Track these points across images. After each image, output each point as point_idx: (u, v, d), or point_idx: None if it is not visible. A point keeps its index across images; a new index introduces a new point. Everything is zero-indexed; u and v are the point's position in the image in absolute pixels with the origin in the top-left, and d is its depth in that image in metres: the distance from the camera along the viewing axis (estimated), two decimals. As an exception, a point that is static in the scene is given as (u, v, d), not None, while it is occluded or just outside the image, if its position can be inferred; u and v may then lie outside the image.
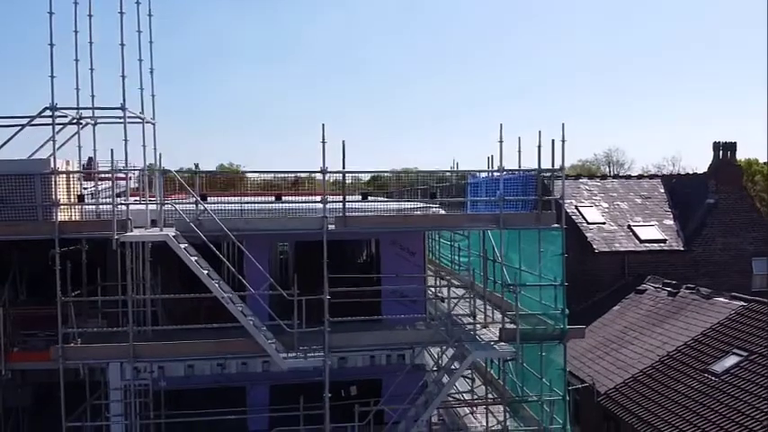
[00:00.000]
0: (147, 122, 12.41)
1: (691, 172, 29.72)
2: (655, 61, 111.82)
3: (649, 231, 27.68)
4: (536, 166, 12.42)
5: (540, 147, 12.71)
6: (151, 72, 12.47)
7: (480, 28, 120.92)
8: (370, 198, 11.80)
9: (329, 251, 11.40)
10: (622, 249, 26.71)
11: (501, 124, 11.82)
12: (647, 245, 27.06)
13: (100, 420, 12.96)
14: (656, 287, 24.72)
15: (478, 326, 13.05)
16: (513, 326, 12.13)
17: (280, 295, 13.78)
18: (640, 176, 31.86)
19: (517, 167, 12.88)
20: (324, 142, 11.24)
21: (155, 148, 12.12)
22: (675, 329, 20.96)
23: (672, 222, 28.50)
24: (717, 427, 15.52)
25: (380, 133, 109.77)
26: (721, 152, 27.87)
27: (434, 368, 13.68)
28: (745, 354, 17.78)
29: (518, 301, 11.71)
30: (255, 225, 11.42)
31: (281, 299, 13.07)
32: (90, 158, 13.21)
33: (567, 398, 12.33)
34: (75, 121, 12.11)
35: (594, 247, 26.47)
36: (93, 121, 12.22)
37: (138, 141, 12.16)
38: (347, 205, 11.86)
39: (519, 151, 13.53)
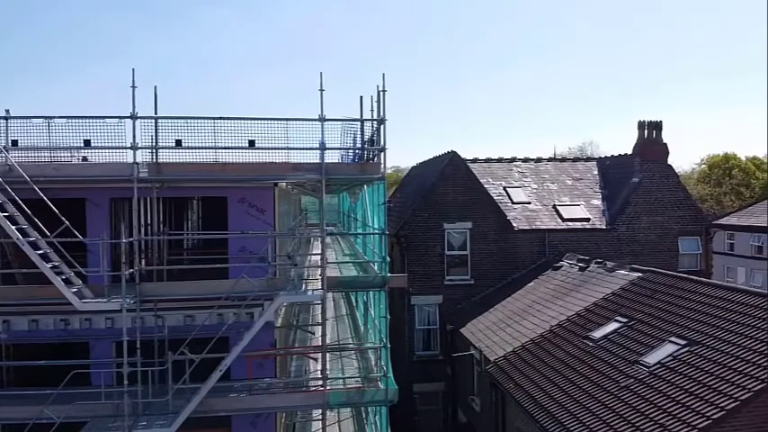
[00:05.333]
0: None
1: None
2: (632, 52, 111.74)
3: (573, 210, 27.58)
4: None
5: (371, 100, 12.85)
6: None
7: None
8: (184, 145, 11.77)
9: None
10: (543, 228, 26.64)
11: (321, 73, 11.86)
12: (569, 224, 26.97)
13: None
14: (570, 263, 24.66)
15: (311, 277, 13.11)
16: (335, 274, 12.19)
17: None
18: (576, 159, 31.73)
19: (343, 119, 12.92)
20: (134, 87, 11.33)
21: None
22: (575, 301, 20.90)
23: (599, 202, 28.40)
24: (580, 390, 15.47)
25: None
26: (646, 131, 27.74)
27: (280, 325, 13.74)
28: (626, 320, 17.73)
29: (323, 249, 11.74)
30: (65, 171, 11.49)
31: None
32: None
33: (389, 345, 12.33)
34: None
35: (515, 225, 26.43)
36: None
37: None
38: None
39: (362, 108, 13.65)
